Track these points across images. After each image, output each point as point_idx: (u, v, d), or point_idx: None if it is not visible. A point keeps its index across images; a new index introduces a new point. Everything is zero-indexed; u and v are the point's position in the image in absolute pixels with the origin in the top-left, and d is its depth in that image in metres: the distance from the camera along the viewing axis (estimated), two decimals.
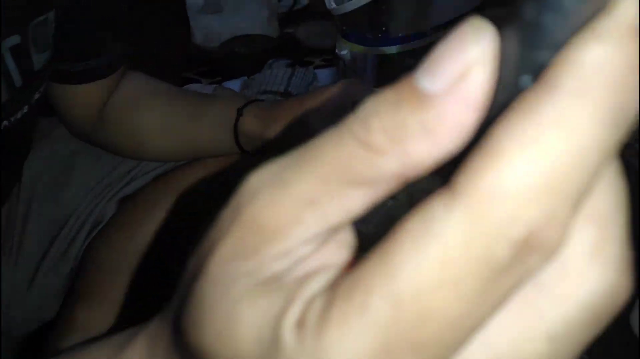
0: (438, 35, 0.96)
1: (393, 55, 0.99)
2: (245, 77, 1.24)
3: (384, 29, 0.96)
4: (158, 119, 0.56)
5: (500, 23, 0.10)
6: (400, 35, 0.96)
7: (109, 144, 0.58)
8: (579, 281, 0.10)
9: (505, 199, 0.09)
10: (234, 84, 1.24)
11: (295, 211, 0.11)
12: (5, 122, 0.42)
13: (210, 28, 1.44)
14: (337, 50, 1.14)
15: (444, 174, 0.10)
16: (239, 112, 0.52)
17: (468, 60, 0.10)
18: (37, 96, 0.46)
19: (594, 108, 0.08)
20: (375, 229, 0.13)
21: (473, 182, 0.09)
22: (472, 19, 0.11)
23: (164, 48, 1.24)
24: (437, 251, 0.09)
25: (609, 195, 0.10)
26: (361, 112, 0.11)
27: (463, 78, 0.10)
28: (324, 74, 1.27)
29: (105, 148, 0.59)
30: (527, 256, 0.10)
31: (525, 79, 0.10)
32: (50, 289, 0.58)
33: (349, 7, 0.97)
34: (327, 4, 1.06)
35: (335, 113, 0.46)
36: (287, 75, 1.17)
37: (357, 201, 0.11)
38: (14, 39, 0.41)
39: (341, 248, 0.12)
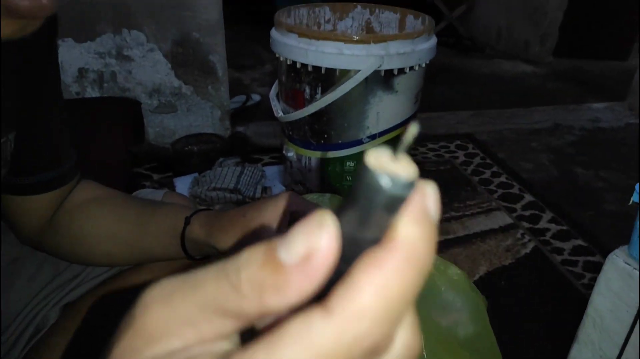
0: (373, 142, 1.07)
1: (334, 159, 1.09)
2: (197, 174, 1.28)
3: (325, 136, 1.07)
4: (106, 225, 0.58)
5: (343, 210, 0.16)
6: (339, 142, 1.06)
7: (56, 249, 0.59)
8: None
9: (363, 320, 0.15)
10: (185, 180, 1.28)
11: (176, 326, 0.15)
12: None
13: (164, 126, 1.51)
14: (284, 152, 1.23)
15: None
16: (186, 221, 0.55)
17: (313, 246, 0.14)
18: None
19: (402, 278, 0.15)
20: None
21: (342, 305, 0.15)
22: (319, 212, 0.15)
23: (116, 145, 1.28)
24: (314, 347, 0.14)
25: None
26: (237, 261, 0.15)
27: (308, 258, 0.14)
28: (272, 171, 1.35)
29: (53, 253, 0.60)
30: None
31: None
32: None
33: (293, 117, 1.08)
34: (274, 112, 1.16)
35: (274, 225, 0.50)
36: (237, 173, 1.23)
37: (226, 326, 0.15)
38: None
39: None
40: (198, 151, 1.34)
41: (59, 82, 0.55)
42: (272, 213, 0.50)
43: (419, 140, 1.60)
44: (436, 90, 2.21)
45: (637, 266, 0.53)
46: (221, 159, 1.31)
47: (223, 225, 0.52)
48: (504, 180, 1.38)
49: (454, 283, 0.68)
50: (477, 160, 1.49)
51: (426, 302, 0.64)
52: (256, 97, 1.91)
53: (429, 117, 1.80)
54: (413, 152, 1.51)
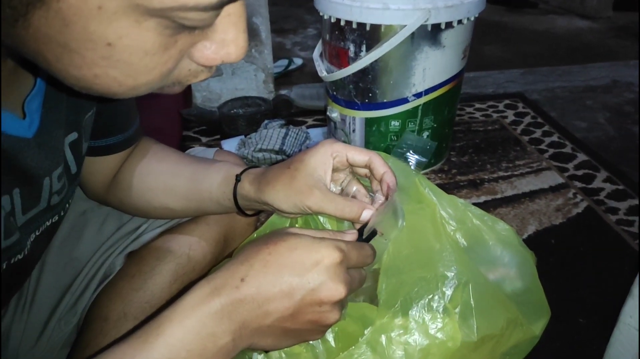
0: (420, 100, 1.05)
1: (379, 118, 1.08)
2: (243, 136, 1.31)
3: (370, 95, 1.06)
4: (164, 180, 0.61)
5: None
6: (384, 101, 1.05)
7: (120, 203, 0.63)
8: None
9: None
10: (232, 142, 1.32)
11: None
12: (67, 204, 0.49)
13: (210, 89, 1.54)
14: (328, 113, 1.23)
15: None
16: (237, 179, 0.57)
17: None
18: (78, 177, 0.52)
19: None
20: None
21: None
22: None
23: (167, 109, 1.32)
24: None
25: None
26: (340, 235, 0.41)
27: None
28: (316, 133, 1.36)
29: (117, 207, 0.64)
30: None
31: None
32: (58, 339, 0.61)
33: (337, 75, 1.07)
34: (318, 72, 1.16)
35: (318, 172, 0.52)
36: (282, 134, 1.25)
37: None
38: (73, 136, 0.46)
39: None
40: (244, 113, 1.37)
41: None
42: (314, 162, 0.52)
43: (465, 99, 1.55)
44: (485, 48, 2.12)
45: None
46: (266, 121, 1.33)
47: (270, 179, 0.54)
48: (556, 139, 1.33)
49: (502, 238, 0.68)
50: (527, 119, 1.44)
51: (474, 255, 0.64)
52: (298, 61, 1.90)
53: (476, 77, 1.74)
54: (459, 113, 1.47)
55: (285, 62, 1.85)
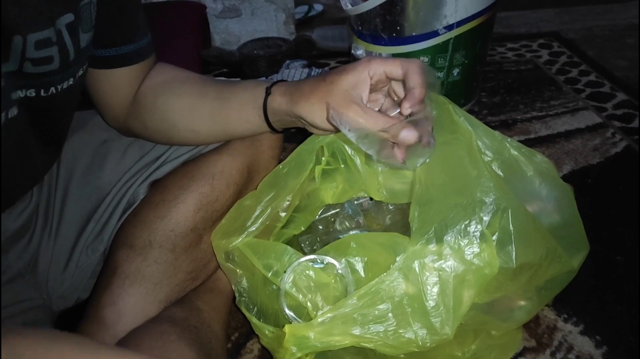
0: (451, 33, 0.99)
1: (407, 54, 1.03)
2: (264, 78, 1.27)
3: (398, 28, 1.00)
4: (189, 101, 0.58)
5: None
6: (413, 34, 0.99)
7: (142, 128, 0.61)
8: None
9: None
10: None
11: None
12: (52, 89, 0.46)
13: (229, 31, 1.49)
14: (352, 50, 1.17)
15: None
16: (267, 91, 0.53)
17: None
18: (80, 72, 0.49)
19: None
20: None
21: None
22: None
23: (186, 49, 1.28)
24: None
25: None
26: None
27: None
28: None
29: (139, 133, 0.62)
30: None
31: None
32: (86, 267, 0.61)
33: (363, 7, 1.01)
34: (342, 4, 1.09)
35: (357, 90, 0.48)
36: (304, 75, 1.21)
37: None
38: (69, 17, 0.44)
39: None
40: (265, 54, 1.32)
41: None
42: (352, 76, 0.48)
43: (496, 39, 1.47)
44: None
45: None
46: (288, 62, 1.28)
47: (304, 92, 0.51)
48: (593, 79, 1.26)
49: (540, 170, 0.64)
50: (563, 59, 1.36)
51: (511, 187, 0.60)
52: (319, 7, 1.82)
53: (508, 16, 1.64)
54: (490, 52, 1.40)
55: (305, 8, 1.78)
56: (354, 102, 0.47)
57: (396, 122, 0.46)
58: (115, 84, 0.57)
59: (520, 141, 1.03)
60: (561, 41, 1.45)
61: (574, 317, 0.67)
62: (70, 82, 0.48)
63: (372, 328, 0.49)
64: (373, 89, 0.50)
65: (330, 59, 1.43)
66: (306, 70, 1.22)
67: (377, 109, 0.52)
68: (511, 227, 0.51)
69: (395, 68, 0.47)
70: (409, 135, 0.46)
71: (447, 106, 0.59)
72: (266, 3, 1.47)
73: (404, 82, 0.49)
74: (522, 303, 0.61)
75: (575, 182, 0.91)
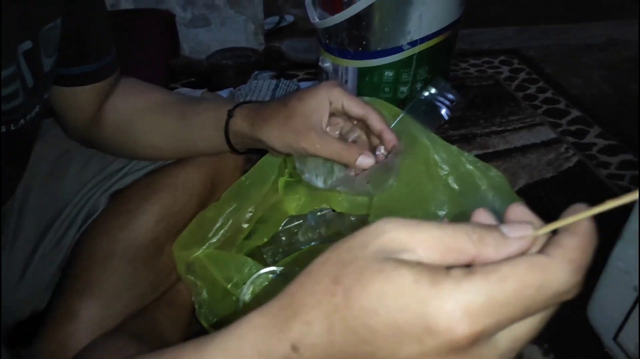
0: (414, 49, 1.02)
1: (372, 68, 1.05)
2: (232, 88, 1.28)
3: (364, 43, 1.02)
4: (151, 117, 0.59)
5: None
6: (378, 49, 1.02)
7: (105, 143, 0.61)
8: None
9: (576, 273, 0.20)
10: (221, 94, 1.28)
11: (414, 245, 0.21)
12: (22, 121, 0.46)
13: (198, 40, 1.49)
14: (320, 63, 1.19)
15: None
16: (230, 114, 0.54)
17: (523, 235, 0.22)
18: (46, 95, 0.49)
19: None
20: None
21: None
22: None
23: (153, 58, 1.27)
24: (522, 284, 0.19)
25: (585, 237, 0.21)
26: (477, 227, 0.22)
27: (520, 239, 0.21)
28: (307, 86, 1.33)
29: (101, 147, 0.61)
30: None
31: None
32: (43, 278, 0.60)
33: (330, 22, 1.03)
34: (310, 18, 1.12)
35: (316, 114, 0.50)
36: (272, 86, 1.22)
37: (449, 258, 0.21)
38: (27, 44, 0.43)
39: None
40: (233, 64, 1.32)
41: None
42: (313, 102, 0.50)
43: (459, 55, 1.52)
44: (484, 5, 2.07)
45: None
46: (256, 72, 1.29)
47: (265, 116, 0.52)
48: (550, 95, 1.31)
49: (494, 184, 0.67)
50: (522, 75, 1.42)
51: (466, 200, 0.63)
52: (289, 18, 1.84)
53: (472, 33, 1.70)
54: (454, 68, 1.44)
55: (276, 18, 1.79)
56: (312, 128, 0.48)
57: (352, 147, 0.48)
58: (78, 101, 0.57)
59: (478, 155, 1.07)
60: (521, 58, 1.51)
61: None
62: (37, 110, 0.48)
63: None
64: (332, 114, 0.51)
65: (299, 71, 1.45)
66: (274, 81, 1.23)
67: (337, 132, 0.54)
68: None
69: (354, 108, 0.49)
70: (364, 161, 0.48)
71: (406, 120, 0.62)
72: (236, 13, 1.48)
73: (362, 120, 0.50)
74: None
75: (530, 196, 0.95)
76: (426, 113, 0.54)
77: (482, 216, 0.24)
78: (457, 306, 0.18)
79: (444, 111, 0.54)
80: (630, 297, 0.60)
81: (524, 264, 0.19)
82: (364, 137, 0.53)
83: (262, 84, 1.22)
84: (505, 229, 0.21)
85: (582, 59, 1.53)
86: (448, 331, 0.18)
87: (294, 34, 1.73)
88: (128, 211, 0.58)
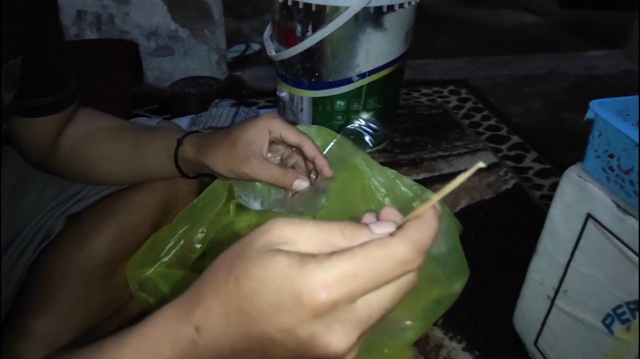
0: (363, 81, 1.10)
1: (325, 98, 1.13)
2: (194, 115, 1.32)
3: (316, 74, 1.10)
4: (106, 147, 0.63)
5: None
6: (330, 80, 1.09)
7: (62, 170, 0.64)
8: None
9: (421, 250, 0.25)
10: (183, 121, 1.33)
11: (296, 239, 0.25)
12: None
13: (161, 69, 1.54)
14: (277, 92, 1.26)
15: None
16: (179, 142, 0.59)
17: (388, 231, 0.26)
18: (4, 127, 0.53)
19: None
20: None
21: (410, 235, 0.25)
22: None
23: (116, 86, 1.31)
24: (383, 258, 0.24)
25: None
26: (347, 224, 0.27)
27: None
28: (252, 117, 1.39)
29: (59, 174, 0.64)
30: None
31: None
32: None
33: (285, 54, 1.11)
34: (267, 51, 1.19)
35: (256, 143, 0.55)
36: (232, 113, 1.27)
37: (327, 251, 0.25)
38: None
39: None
40: (195, 92, 1.38)
41: (58, 12, 0.58)
42: (253, 131, 0.55)
43: (412, 85, 1.62)
44: (438, 38, 2.20)
45: (589, 179, 0.58)
46: (217, 100, 1.35)
47: (211, 144, 0.57)
48: (493, 123, 1.41)
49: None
50: (469, 104, 1.52)
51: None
52: (255, 47, 1.91)
53: (425, 64, 1.81)
54: (406, 97, 1.54)
55: (242, 47, 1.86)
56: (253, 155, 0.54)
57: (289, 172, 0.54)
58: (36, 130, 0.60)
59: (425, 178, 1.15)
60: (469, 88, 1.62)
61: (458, 335, 0.76)
62: None
63: None
64: (272, 142, 0.57)
65: (259, 99, 1.51)
66: (234, 109, 1.29)
67: (278, 157, 0.59)
68: None
69: (291, 136, 0.55)
70: (300, 184, 0.54)
71: (349, 147, 0.68)
72: (199, 43, 1.54)
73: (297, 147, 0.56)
74: (409, 322, 0.69)
75: (470, 216, 1.03)
76: (354, 140, 0.61)
77: (368, 218, 0.29)
78: (317, 281, 0.23)
79: (368, 138, 0.61)
80: (545, 305, 0.67)
81: (371, 244, 0.24)
82: (301, 162, 0.59)
83: (222, 112, 1.27)
84: (372, 226, 0.26)
85: (525, 89, 1.65)
86: (311, 301, 0.23)
87: (259, 62, 1.80)
88: (83, 233, 0.61)
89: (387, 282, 0.24)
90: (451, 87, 1.62)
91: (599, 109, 0.54)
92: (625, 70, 1.83)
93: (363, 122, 0.61)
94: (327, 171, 0.54)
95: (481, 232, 0.98)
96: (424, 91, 1.60)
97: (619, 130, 0.50)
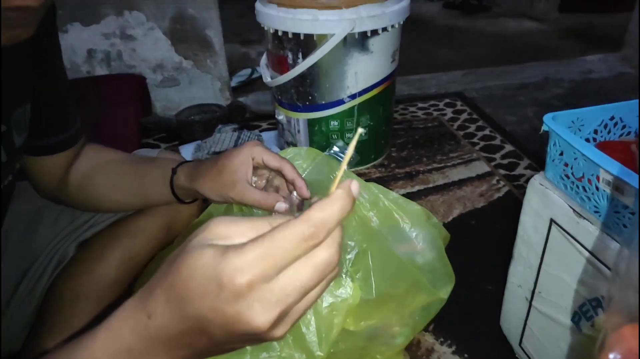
0: (354, 102, 1.16)
1: (320, 119, 1.19)
2: (199, 141, 1.40)
3: (310, 98, 1.16)
4: (111, 178, 0.70)
5: None
6: (322, 102, 1.15)
7: (72, 201, 0.71)
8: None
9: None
10: (189, 148, 1.40)
11: (235, 234, 0.29)
12: None
13: (169, 99, 1.63)
14: (276, 116, 1.33)
15: None
16: (173, 171, 0.65)
17: None
18: (18, 166, 0.58)
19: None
20: None
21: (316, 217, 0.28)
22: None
23: (126, 118, 1.39)
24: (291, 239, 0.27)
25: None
26: (267, 219, 0.30)
27: None
28: (269, 135, 1.45)
29: (69, 204, 0.72)
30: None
31: None
32: (19, 321, 0.68)
33: (280, 81, 1.17)
34: (263, 78, 1.26)
35: (241, 170, 0.61)
36: (234, 137, 1.34)
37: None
38: (2, 128, 0.50)
39: None
40: (200, 120, 1.45)
41: (61, 59, 0.65)
42: (237, 159, 0.61)
43: (409, 100, 1.67)
44: (439, 51, 2.26)
45: (550, 186, 0.62)
46: (220, 126, 1.42)
47: (201, 172, 0.64)
48: (487, 133, 1.45)
49: (412, 217, 0.78)
50: (464, 116, 1.56)
51: (386, 232, 0.74)
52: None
53: (421, 79, 1.87)
54: (403, 112, 1.59)
55: (248, 71, 1.94)
56: (238, 181, 0.59)
57: (271, 196, 0.60)
58: (46, 168, 0.66)
59: (420, 190, 1.19)
60: (464, 100, 1.67)
61: (448, 340, 0.80)
62: (10, 178, 0.57)
63: (261, 355, 0.59)
64: (256, 167, 0.63)
65: (262, 121, 1.58)
66: (236, 133, 1.36)
67: (264, 180, 0.65)
68: (370, 264, 0.64)
69: (272, 161, 0.61)
70: (281, 206, 0.59)
71: (332, 165, 0.73)
72: (202, 73, 1.62)
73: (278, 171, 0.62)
74: (399, 329, 0.73)
75: (462, 224, 1.07)
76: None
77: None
78: (233, 266, 0.27)
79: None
80: (524, 307, 0.70)
81: (278, 227, 0.27)
82: (283, 184, 0.65)
83: (225, 137, 1.34)
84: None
85: (520, 98, 1.69)
86: (229, 284, 0.27)
87: (264, 86, 1.87)
88: (92, 257, 0.68)
89: (295, 258, 0.28)
90: (447, 100, 1.67)
91: (551, 122, 0.58)
92: (622, 73, 1.85)
93: (338, 149, 0.67)
94: (304, 192, 0.60)
95: (473, 240, 1.01)
96: (420, 105, 1.65)
97: (567, 141, 0.54)
